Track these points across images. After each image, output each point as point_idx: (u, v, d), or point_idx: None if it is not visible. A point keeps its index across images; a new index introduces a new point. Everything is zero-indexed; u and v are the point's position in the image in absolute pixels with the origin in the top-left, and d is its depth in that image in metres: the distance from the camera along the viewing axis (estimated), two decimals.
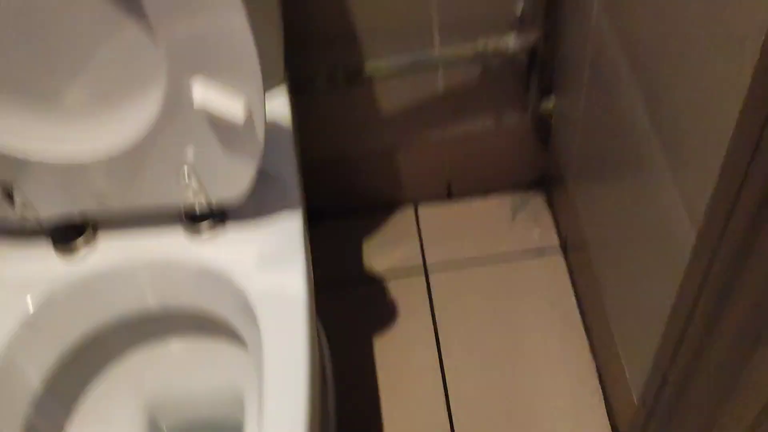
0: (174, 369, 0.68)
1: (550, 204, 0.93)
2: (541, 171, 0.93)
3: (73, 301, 0.59)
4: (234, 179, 0.53)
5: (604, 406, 0.77)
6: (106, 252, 0.59)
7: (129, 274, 0.59)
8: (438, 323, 0.85)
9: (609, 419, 0.75)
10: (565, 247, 0.89)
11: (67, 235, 0.58)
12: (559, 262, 0.89)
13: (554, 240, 0.91)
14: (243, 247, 0.57)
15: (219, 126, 0.48)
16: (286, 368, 0.50)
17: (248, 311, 0.54)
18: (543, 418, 0.77)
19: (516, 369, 0.81)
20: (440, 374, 0.81)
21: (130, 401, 0.67)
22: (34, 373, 0.58)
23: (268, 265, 0.56)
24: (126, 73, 0.48)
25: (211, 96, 0.46)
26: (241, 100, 0.46)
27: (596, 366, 0.79)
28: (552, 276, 0.88)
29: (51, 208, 0.56)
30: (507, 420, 0.77)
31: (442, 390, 0.80)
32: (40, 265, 0.58)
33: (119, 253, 0.59)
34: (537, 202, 0.94)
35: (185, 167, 0.52)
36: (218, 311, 0.59)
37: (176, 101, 0.47)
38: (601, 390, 0.78)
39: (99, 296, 0.59)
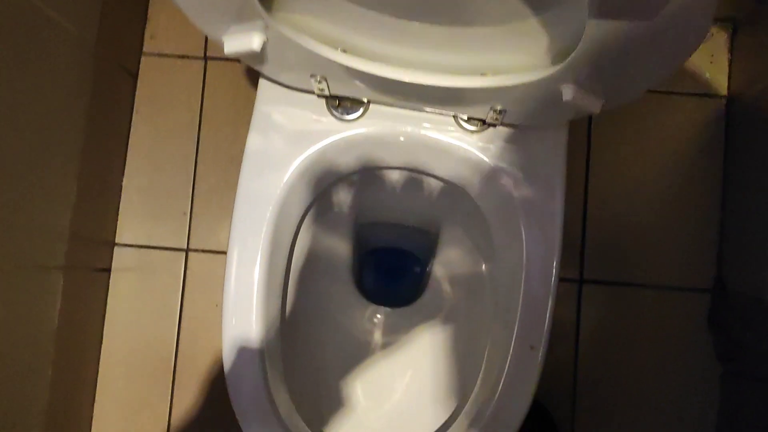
0: (390, 191, 0.79)
1: (732, 46, 0.94)
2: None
3: (340, 153, 0.67)
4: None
5: None
6: (376, 120, 0.65)
7: (393, 141, 0.66)
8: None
9: None
10: (733, 100, 0.93)
11: (346, 102, 0.64)
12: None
13: (723, 87, 0.94)
14: (508, 150, 0.64)
15: None
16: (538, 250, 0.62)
17: (502, 208, 0.64)
18: None
19: None
20: None
21: (345, 207, 0.80)
22: (306, 192, 0.69)
23: (529, 170, 0.63)
24: None
25: None
26: None
27: None
28: (708, 126, 0.94)
29: (346, 91, 0.60)
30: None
31: None
32: (320, 124, 0.64)
33: (389, 123, 0.65)
34: (718, 39, 0.94)
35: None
36: (453, 180, 0.68)
37: None
38: None
39: (361, 152, 0.67)
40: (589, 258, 0.92)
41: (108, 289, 0.92)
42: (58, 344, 0.80)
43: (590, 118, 0.95)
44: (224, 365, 0.62)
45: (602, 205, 0.93)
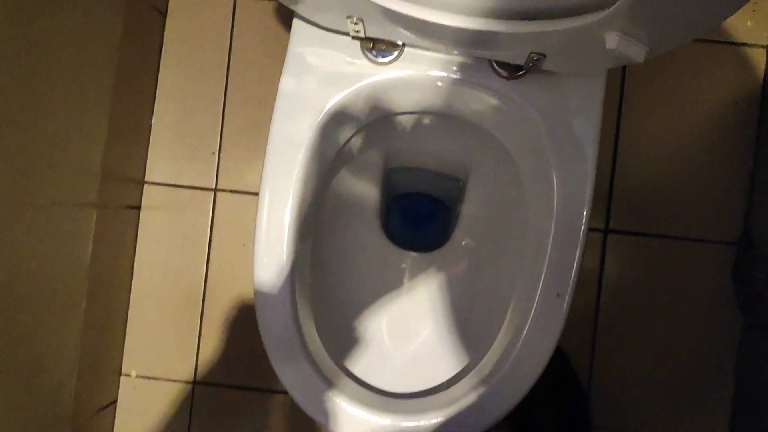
0: (420, 136, 0.79)
1: None
2: None
3: (373, 96, 0.66)
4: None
5: None
6: (409, 64, 0.64)
7: (426, 85, 0.66)
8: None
9: None
10: None
11: (380, 45, 0.63)
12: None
13: (764, 37, 0.91)
14: (542, 97, 0.63)
15: None
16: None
17: (534, 155, 0.64)
18: None
19: None
20: None
21: (375, 151, 0.80)
22: (338, 135, 0.69)
23: (563, 119, 0.63)
24: None
25: None
26: None
27: None
28: (746, 77, 0.92)
29: (381, 33, 0.60)
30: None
31: None
32: (354, 66, 0.64)
33: (423, 67, 0.64)
34: None
35: None
36: (485, 126, 0.68)
37: None
38: None
39: (394, 95, 0.67)
40: (615, 208, 0.92)
41: (138, 226, 0.94)
42: (92, 278, 0.82)
43: (625, 66, 0.93)
44: (255, 302, 0.64)
45: (631, 155, 0.92)
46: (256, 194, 0.93)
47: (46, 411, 0.76)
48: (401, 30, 0.57)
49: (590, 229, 0.91)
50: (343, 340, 0.75)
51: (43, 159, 0.69)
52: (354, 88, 0.64)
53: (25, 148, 0.66)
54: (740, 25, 0.92)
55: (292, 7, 0.60)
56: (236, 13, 0.94)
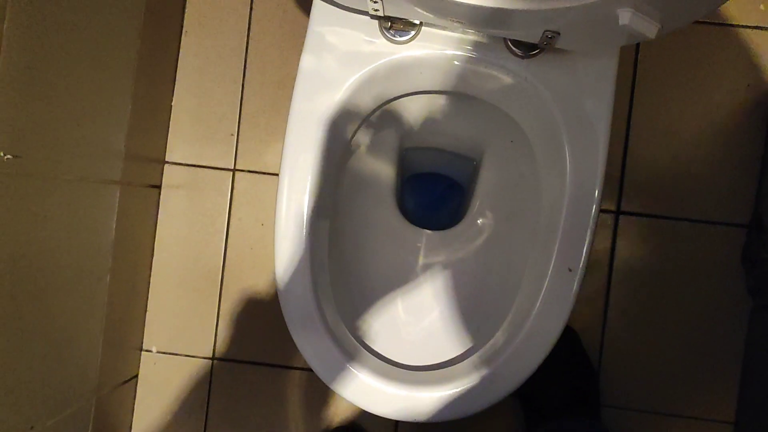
0: (436, 115, 0.81)
1: None
2: None
3: (390, 74, 0.68)
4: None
5: None
6: (427, 43, 0.66)
7: (443, 64, 0.67)
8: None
9: None
10: None
11: (398, 24, 0.65)
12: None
13: None
14: (556, 75, 0.64)
15: None
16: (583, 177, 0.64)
17: (547, 134, 0.66)
18: None
19: None
20: None
21: (392, 131, 0.82)
22: (357, 113, 0.71)
23: (576, 98, 0.64)
24: None
25: None
26: None
27: None
28: (759, 61, 0.92)
29: (400, 12, 0.61)
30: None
31: None
32: (372, 45, 0.66)
33: (440, 46, 0.66)
34: None
35: None
36: (499, 105, 0.69)
37: None
38: None
39: (411, 74, 0.69)
40: (626, 190, 0.93)
41: (159, 204, 0.96)
42: (116, 255, 0.84)
43: (638, 47, 0.94)
44: (276, 276, 0.66)
45: (643, 138, 0.93)
46: (274, 174, 0.96)
47: (73, 381, 0.78)
48: (419, 9, 0.59)
49: (602, 211, 0.93)
50: (360, 315, 0.77)
51: (72, 136, 0.72)
52: (372, 66, 0.65)
53: (55, 125, 0.68)
54: (753, 9, 0.92)
55: None
56: None
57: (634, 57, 0.94)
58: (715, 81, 0.93)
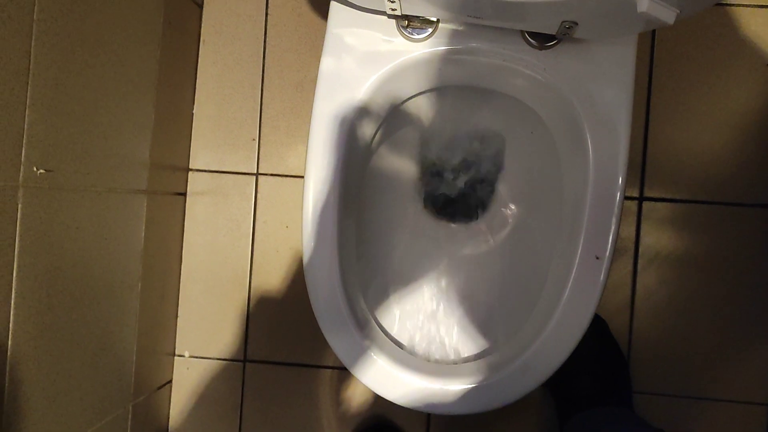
0: (457, 109, 0.81)
1: None
2: None
3: (409, 72, 0.69)
4: None
5: None
6: (444, 39, 0.66)
7: (461, 60, 0.68)
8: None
9: None
10: None
11: (415, 22, 0.65)
12: None
13: None
14: (575, 66, 0.65)
15: None
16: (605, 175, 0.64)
17: (568, 124, 0.66)
18: None
19: None
20: None
21: (412, 127, 0.83)
22: (378, 111, 0.72)
23: (596, 87, 0.65)
24: None
25: None
26: None
27: None
28: None
29: (417, 10, 0.62)
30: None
31: None
32: (391, 44, 0.66)
33: (457, 42, 0.66)
34: None
35: None
36: (519, 97, 0.70)
37: None
38: None
39: (430, 71, 0.69)
40: (648, 176, 0.93)
41: (184, 212, 0.98)
42: (145, 263, 0.86)
43: (654, 33, 0.94)
44: (306, 279, 0.67)
45: (663, 123, 0.93)
46: (297, 177, 0.97)
47: (110, 389, 0.80)
48: (436, 6, 0.59)
49: (625, 198, 0.93)
50: (388, 310, 0.78)
51: (99, 148, 0.73)
52: (391, 65, 0.66)
53: (83, 138, 0.70)
54: None
55: None
56: (269, 2, 0.97)
57: (650, 41, 0.93)
58: (734, 61, 0.92)
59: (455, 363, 0.75)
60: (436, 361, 0.75)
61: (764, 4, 0.92)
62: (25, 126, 0.60)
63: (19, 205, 0.61)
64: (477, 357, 0.75)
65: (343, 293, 0.67)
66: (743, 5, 0.92)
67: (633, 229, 0.93)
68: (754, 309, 0.92)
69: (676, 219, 0.93)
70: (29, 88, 0.60)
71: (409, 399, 0.67)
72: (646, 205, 0.93)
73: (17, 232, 0.61)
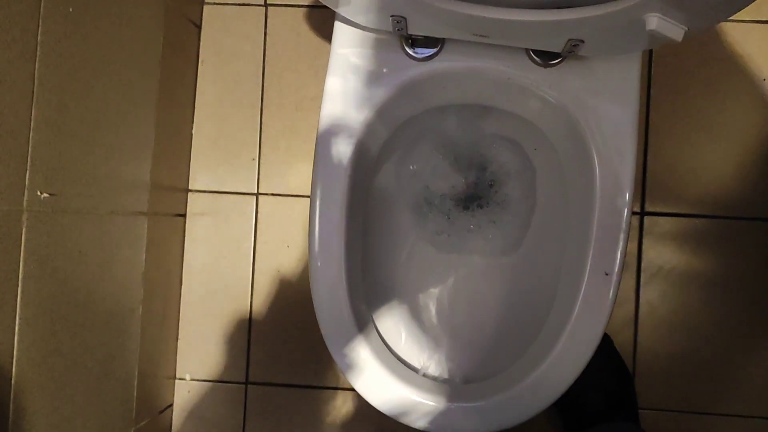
0: (461, 127, 0.81)
1: None
2: None
3: (414, 91, 0.69)
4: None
5: None
6: (449, 58, 0.66)
7: (465, 78, 0.68)
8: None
9: None
10: None
11: (420, 41, 0.65)
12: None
13: None
14: (580, 83, 0.65)
15: None
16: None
17: (574, 141, 0.66)
18: None
19: None
20: None
21: (416, 144, 0.83)
22: (383, 130, 0.71)
23: (601, 103, 0.65)
24: None
25: None
26: None
27: None
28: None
29: (422, 30, 0.62)
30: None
31: None
32: (396, 63, 0.67)
33: (462, 60, 0.66)
34: None
35: None
36: (524, 115, 0.70)
37: None
38: None
39: (435, 89, 0.69)
40: (650, 190, 0.93)
41: (185, 233, 0.97)
42: (146, 285, 0.85)
43: (651, 49, 0.94)
44: (314, 298, 0.66)
45: (663, 137, 0.93)
46: (297, 196, 0.96)
47: (112, 414, 0.79)
48: (442, 25, 0.60)
49: None
50: (395, 327, 0.77)
51: (101, 171, 0.73)
52: (396, 84, 0.66)
53: (86, 161, 0.69)
54: (766, 4, 0.93)
55: (336, 9, 0.63)
56: (268, 22, 0.97)
57: (648, 56, 0.94)
58: (732, 76, 0.93)
59: (464, 383, 0.74)
60: (444, 381, 0.74)
61: (762, 19, 0.93)
62: (29, 149, 0.60)
63: (24, 230, 0.60)
64: (486, 376, 0.74)
65: (351, 312, 0.66)
66: (741, 21, 0.93)
67: (635, 243, 0.93)
68: (758, 322, 0.92)
69: (678, 233, 0.93)
70: (33, 110, 0.60)
71: (416, 419, 0.66)
72: (647, 219, 0.93)
73: (21, 258, 0.60)
